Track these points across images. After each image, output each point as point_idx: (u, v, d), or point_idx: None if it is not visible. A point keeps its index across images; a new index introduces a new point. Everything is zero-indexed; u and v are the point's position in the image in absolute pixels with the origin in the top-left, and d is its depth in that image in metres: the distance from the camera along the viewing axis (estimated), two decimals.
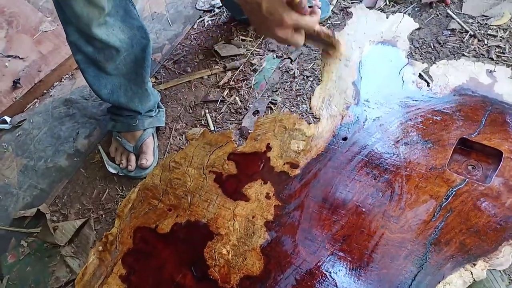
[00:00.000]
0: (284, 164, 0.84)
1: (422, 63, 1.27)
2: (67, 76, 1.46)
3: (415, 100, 0.86)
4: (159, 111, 1.28)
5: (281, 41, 0.78)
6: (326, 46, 0.92)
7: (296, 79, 1.35)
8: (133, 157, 1.21)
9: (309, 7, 1.43)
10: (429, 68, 0.89)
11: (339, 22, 1.45)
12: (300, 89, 1.33)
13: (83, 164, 1.26)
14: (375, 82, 0.90)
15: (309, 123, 0.88)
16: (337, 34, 0.91)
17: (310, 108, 0.90)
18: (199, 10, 1.58)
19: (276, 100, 1.32)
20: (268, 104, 1.31)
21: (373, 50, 0.95)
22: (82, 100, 1.38)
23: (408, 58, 0.93)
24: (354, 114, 0.87)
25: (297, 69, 1.37)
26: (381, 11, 1.44)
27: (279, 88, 1.35)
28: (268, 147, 0.86)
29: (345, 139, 0.85)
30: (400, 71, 0.91)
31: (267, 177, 0.83)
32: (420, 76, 0.97)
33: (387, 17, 1.01)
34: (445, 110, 0.84)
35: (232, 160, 0.86)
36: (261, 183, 0.82)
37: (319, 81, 0.95)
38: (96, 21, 0.97)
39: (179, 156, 0.89)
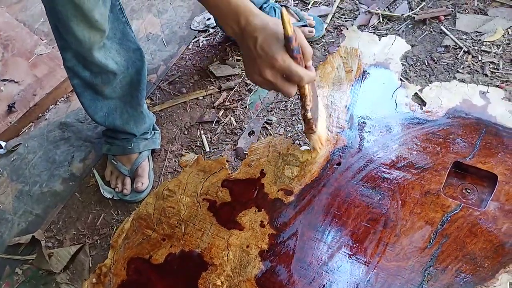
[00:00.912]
0: (278, 190, 0.83)
1: (416, 85, 1.28)
2: (62, 99, 1.46)
3: (409, 124, 0.86)
4: (154, 133, 1.27)
5: (269, 85, 0.71)
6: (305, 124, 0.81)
7: (291, 99, 1.35)
8: (128, 181, 1.21)
9: (303, 25, 1.43)
10: (422, 90, 0.89)
11: (333, 40, 1.45)
12: (295, 108, 1.33)
13: (78, 188, 1.26)
14: (368, 106, 0.90)
15: (305, 143, 0.88)
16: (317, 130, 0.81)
17: (303, 134, 0.90)
18: (194, 30, 1.58)
19: (271, 120, 1.31)
20: (264, 124, 1.31)
21: (366, 73, 0.95)
22: (77, 123, 1.37)
23: (401, 81, 0.93)
24: (348, 138, 0.87)
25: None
26: (374, 29, 1.45)
27: (274, 108, 1.34)
28: (262, 173, 0.86)
29: (339, 164, 0.84)
30: (393, 94, 0.91)
31: (261, 205, 0.82)
32: (414, 98, 0.97)
33: (379, 39, 1.01)
34: (438, 133, 0.84)
35: (226, 187, 0.86)
36: (255, 211, 0.81)
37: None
38: (98, 44, 0.97)
39: (172, 183, 0.88)
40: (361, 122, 0.88)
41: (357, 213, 0.77)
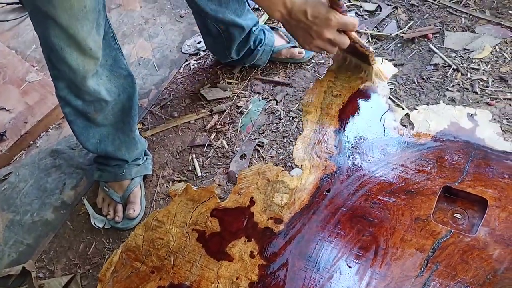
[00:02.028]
0: (268, 219, 0.82)
1: (406, 104, 1.28)
2: (53, 126, 1.46)
3: (397, 148, 0.86)
4: (146, 158, 1.27)
5: (328, 44, 0.86)
6: (360, 59, 0.95)
7: (282, 121, 1.35)
8: (120, 208, 1.20)
9: (293, 47, 1.44)
10: (410, 114, 0.89)
11: (323, 61, 1.46)
12: (287, 130, 1.33)
13: (69, 216, 1.25)
14: (356, 130, 0.90)
15: (296, 166, 0.87)
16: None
17: (293, 159, 0.89)
18: (185, 53, 1.59)
19: (263, 143, 1.31)
20: (255, 147, 1.31)
21: (354, 96, 0.95)
22: (69, 150, 1.37)
23: (389, 104, 0.93)
24: (337, 164, 0.87)
25: (283, 110, 1.37)
26: None
27: (265, 130, 1.34)
28: (252, 201, 0.85)
29: (328, 190, 0.84)
30: (381, 118, 0.91)
31: (251, 234, 0.81)
32: (402, 121, 0.97)
33: None
34: (427, 158, 0.83)
35: (216, 216, 0.85)
36: (245, 241, 0.80)
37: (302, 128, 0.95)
38: (91, 72, 0.98)
39: (161, 214, 0.87)
40: (350, 147, 0.88)
41: (347, 241, 0.76)
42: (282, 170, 0.88)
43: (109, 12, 1.80)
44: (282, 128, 1.34)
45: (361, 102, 0.94)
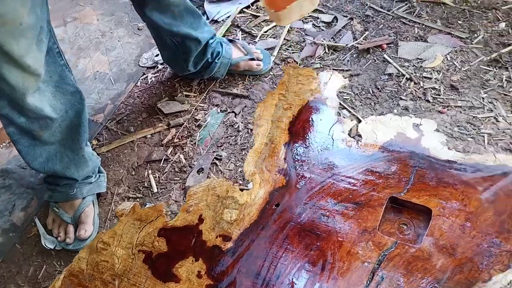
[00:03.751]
0: (216, 237, 0.81)
1: (361, 114, 1.29)
2: (4, 145, 1.40)
3: (345, 160, 0.86)
4: (99, 176, 1.23)
5: None
6: None
7: (240, 133, 1.34)
8: (71, 229, 1.15)
9: (251, 59, 1.44)
10: (358, 125, 0.90)
11: (281, 73, 1.46)
12: (245, 142, 1.31)
13: (19, 239, 1.19)
14: (306, 143, 0.90)
15: (251, 181, 0.86)
16: None
17: (243, 173, 0.88)
18: (142, 67, 1.56)
19: (221, 156, 1.30)
20: (213, 160, 1.29)
21: (304, 109, 0.95)
22: (19, 170, 1.32)
23: (337, 116, 0.93)
24: (286, 177, 0.86)
25: (242, 123, 1.36)
26: (321, 60, 1.47)
27: (224, 143, 1.33)
28: (201, 219, 0.84)
29: (277, 205, 0.83)
30: (330, 130, 0.91)
31: (199, 253, 0.79)
32: (352, 132, 0.98)
33: (317, 74, 1.02)
34: (374, 169, 0.84)
35: (163, 236, 0.83)
36: (192, 261, 0.79)
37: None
38: (32, 89, 0.94)
39: (107, 235, 0.84)
40: (300, 160, 0.87)
41: (295, 256, 0.76)
42: (232, 185, 0.87)
43: (64, 25, 1.76)
44: (240, 140, 1.33)
45: (310, 115, 0.94)
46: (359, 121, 1.01)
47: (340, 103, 1.30)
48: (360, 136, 0.88)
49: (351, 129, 0.98)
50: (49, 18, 0.96)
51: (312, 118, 0.93)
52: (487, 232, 0.73)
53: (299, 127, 0.92)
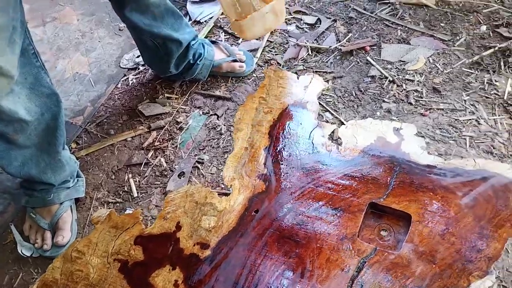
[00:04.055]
0: (194, 244, 0.79)
1: (344, 116, 1.28)
2: None
3: (325, 165, 0.85)
4: (77, 180, 1.21)
5: None
6: None
7: (223, 136, 1.33)
8: (48, 235, 1.13)
9: (233, 61, 1.42)
10: (339, 129, 0.89)
11: (263, 75, 1.45)
12: (227, 145, 1.30)
13: None
14: (286, 148, 0.89)
15: (230, 187, 0.85)
16: None
17: (222, 179, 0.87)
18: (123, 68, 1.54)
19: (203, 159, 1.28)
20: (195, 163, 1.27)
21: (284, 113, 0.94)
22: None
23: (318, 120, 0.92)
24: (266, 183, 0.85)
25: (224, 125, 1.35)
26: (304, 62, 1.46)
27: (206, 146, 1.31)
28: (178, 226, 0.82)
29: (256, 211, 0.82)
30: (310, 135, 0.90)
31: (176, 262, 0.78)
32: (333, 136, 0.97)
33: (297, 77, 1.01)
34: (354, 174, 0.83)
35: (140, 244, 0.81)
36: (169, 269, 0.77)
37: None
38: (4, 91, 0.91)
39: (82, 243, 0.82)
40: (280, 165, 0.86)
41: (273, 264, 0.74)
42: (210, 191, 0.85)
43: (43, 25, 1.72)
44: (223, 143, 1.31)
45: (291, 119, 0.93)
46: (340, 125, 1.01)
47: (321, 107, 1.30)
48: (340, 140, 0.87)
49: (331, 134, 0.97)
50: (23, 18, 0.93)
51: (292, 122, 0.92)
52: (466, 238, 0.72)
53: (279, 131, 0.91)
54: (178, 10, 1.28)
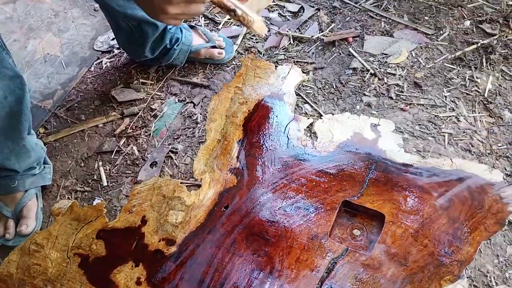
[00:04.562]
0: (159, 240, 0.75)
1: (324, 109, 1.25)
2: None
3: (299, 160, 0.82)
4: (44, 167, 1.15)
5: (177, 18, 0.70)
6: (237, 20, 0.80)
7: (199, 125, 1.28)
8: (11, 223, 1.07)
9: (212, 47, 1.37)
10: (315, 123, 0.86)
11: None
12: (203, 135, 1.25)
13: None
14: (260, 141, 0.85)
15: (196, 179, 0.81)
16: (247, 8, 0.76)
17: (192, 172, 0.83)
18: (97, 51, 1.47)
19: (177, 149, 1.24)
20: (168, 153, 1.23)
21: (260, 105, 0.91)
22: None
23: (294, 113, 0.89)
24: (238, 177, 0.81)
25: (200, 114, 1.30)
26: (285, 51, 1.42)
27: (180, 135, 1.27)
28: (144, 221, 0.78)
29: (226, 207, 0.78)
30: (285, 128, 0.87)
31: (139, 258, 0.74)
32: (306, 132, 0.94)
33: (275, 67, 0.97)
34: (328, 170, 0.80)
35: (102, 238, 0.77)
36: (132, 266, 0.73)
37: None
38: None
39: (41, 236, 0.78)
40: (253, 159, 0.83)
41: (241, 263, 0.71)
42: (179, 185, 0.82)
43: (14, 2, 1.64)
44: (198, 133, 1.27)
45: (267, 111, 0.89)
46: (316, 119, 0.98)
47: (301, 99, 1.27)
48: (316, 135, 0.84)
49: (307, 127, 0.94)
50: None
51: (268, 115, 0.88)
52: (439, 241, 0.71)
53: (254, 123, 0.87)
54: None
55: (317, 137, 0.84)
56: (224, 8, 0.74)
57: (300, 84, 1.15)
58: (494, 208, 0.72)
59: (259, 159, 0.82)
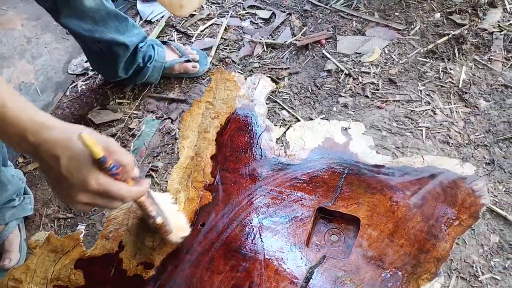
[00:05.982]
0: (138, 265, 0.75)
1: (301, 114, 1.26)
2: None
3: (273, 170, 0.82)
4: (24, 198, 1.15)
5: (88, 207, 0.60)
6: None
7: (178, 140, 1.28)
8: None
9: (186, 61, 1.37)
10: (286, 132, 0.86)
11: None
12: None
13: None
14: (234, 155, 0.85)
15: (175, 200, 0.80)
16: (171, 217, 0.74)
17: (168, 191, 0.83)
18: (72, 74, 1.47)
19: (157, 166, 1.23)
20: (148, 171, 1.22)
21: (232, 118, 0.90)
22: None
23: (265, 124, 0.89)
24: (213, 194, 0.81)
25: (179, 129, 1.30)
26: (259, 58, 1.43)
27: (160, 153, 1.26)
28: (121, 246, 0.77)
29: (203, 225, 0.78)
30: (258, 139, 0.87)
31: (119, 284, 0.74)
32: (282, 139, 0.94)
33: (245, 79, 0.97)
34: (302, 178, 0.80)
35: (80, 268, 0.76)
36: None
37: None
38: None
39: (19, 271, 0.77)
40: (226, 173, 0.82)
41: (220, 281, 0.71)
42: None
43: None
44: (178, 149, 1.26)
45: (238, 123, 0.89)
46: (287, 128, 0.98)
47: (277, 105, 1.27)
48: (287, 144, 0.84)
49: (279, 137, 0.94)
50: None
51: (240, 128, 0.88)
52: (415, 239, 0.71)
53: (227, 137, 0.87)
54: (122, 13, 1.22)
55: (289, 146, 0.84)
56: (145, 213, 0.70)
57: (269, 94, 1.15)
58: (467, 202, 0.72)
59: (234, 173, 0.82)
